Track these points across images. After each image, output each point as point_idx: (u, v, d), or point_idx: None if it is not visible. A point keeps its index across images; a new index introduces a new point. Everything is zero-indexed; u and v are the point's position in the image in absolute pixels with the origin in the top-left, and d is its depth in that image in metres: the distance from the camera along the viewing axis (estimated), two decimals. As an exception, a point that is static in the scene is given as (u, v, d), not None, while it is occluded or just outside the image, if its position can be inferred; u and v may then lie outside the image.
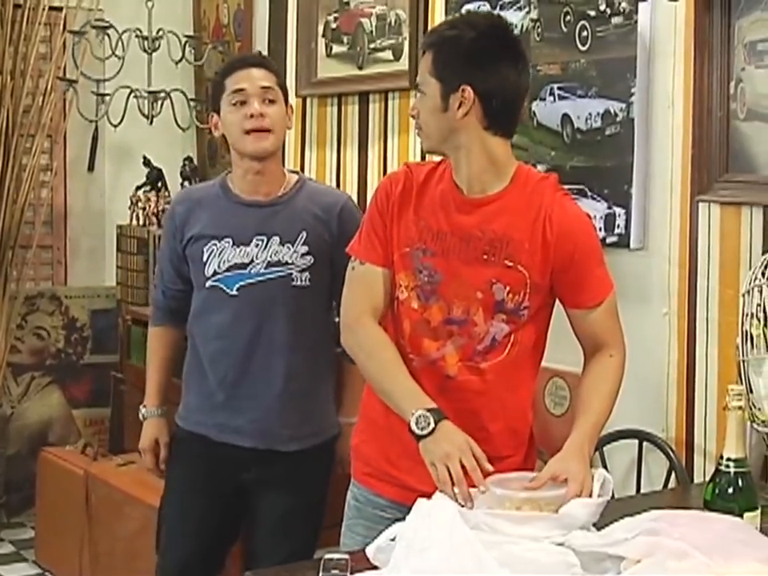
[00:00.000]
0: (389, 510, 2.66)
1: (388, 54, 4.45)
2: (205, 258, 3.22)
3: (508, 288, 2.59)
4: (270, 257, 3.18)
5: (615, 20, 3.52)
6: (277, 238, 3.19)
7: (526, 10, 3.80)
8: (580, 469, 2.42)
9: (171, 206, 3.44)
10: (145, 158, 5.57)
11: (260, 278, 3.19)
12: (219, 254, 3.20)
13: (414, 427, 2.45)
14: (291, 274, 3.18)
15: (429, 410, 2.46)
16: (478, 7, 3.93)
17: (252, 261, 3.19)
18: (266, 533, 3.26)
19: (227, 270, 3.20)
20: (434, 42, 2.60)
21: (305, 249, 3.19)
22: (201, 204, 3.29)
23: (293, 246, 3.19)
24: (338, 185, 4.69)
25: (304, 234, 3.19)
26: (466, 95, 2.55)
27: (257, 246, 3.19)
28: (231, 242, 3.20)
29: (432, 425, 2.43)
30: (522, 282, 2.59)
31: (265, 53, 5.16)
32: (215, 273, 3.21)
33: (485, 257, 2.59)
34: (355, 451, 2.81)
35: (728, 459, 2.34)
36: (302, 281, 3.18)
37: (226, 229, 3.22)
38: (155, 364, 3.44)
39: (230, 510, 3.31)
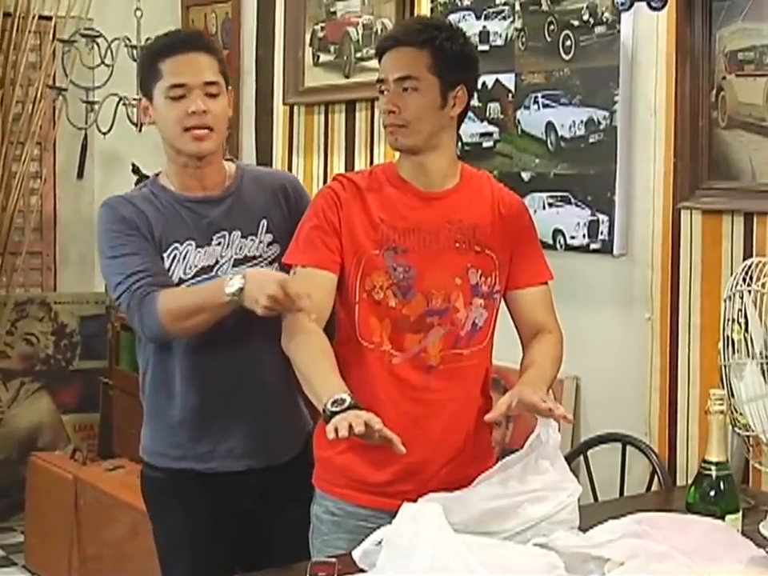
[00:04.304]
0: (371, 520, 2.63)
1: (374, 63, 4.41)
2: (167, 265, 2.85)
3: (480, 272, 2.71)
4: (236, 253, 2.89)
5: (598, 29, 3.55)
6: (238, 232, 2.90)
7: (511, 19, 3.83)
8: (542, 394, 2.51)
9: (108, 211, 2.90)
10: (133, 165, 5.55)
11: None
12: (183, 258, 2.86)
13: (328, 406, 2.41)
14: (261, 267, 2.88)
15: (348, 396, 2.44)
16: (463, 17, 3.97)
17: (217, 262, 2.87)
18: (285, 553, 2.77)
19: (194, 275, 2.85)
20: (428, 40, 2.65)
21: (269, 237, 2.92)
22: (146, 207, 2.88)
23: (256, 236, 2.91)
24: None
25: (264, 221, 2.92)
26: (461, 94, 2.69)
27: (219, 244, 2.88)
28: (194, 245, 2.87)
29: (347, 402, 2.41)
30: (492, 264, 2.72)
31: (252, 61, 5.19)
32: (181, 281, 2.84)
33: (457, 245, 2.70)
34: (326, 463, 2.75)
35: (710, 463, 2.39)
36: None
37: (184, 231, 2.87)
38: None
39: (240, 546, 2.99)
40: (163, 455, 2.97)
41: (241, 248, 2.90)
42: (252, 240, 2.91)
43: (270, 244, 2.92)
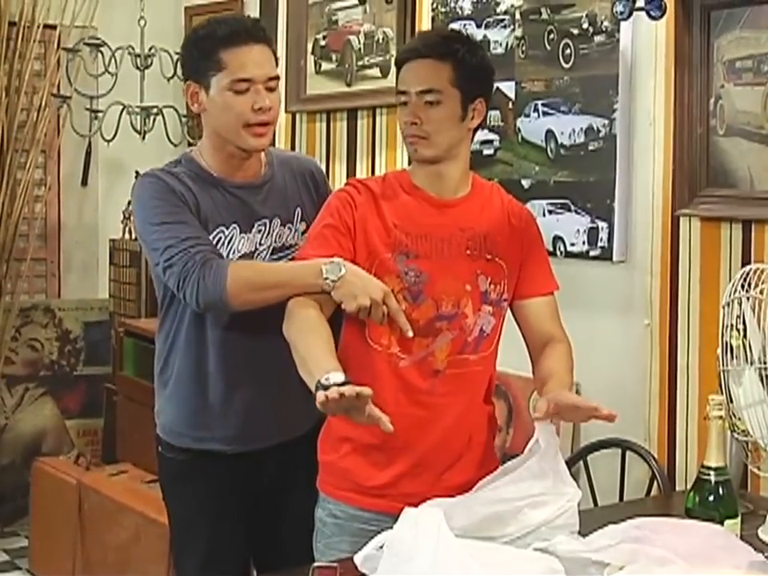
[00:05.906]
0: (373, 522, 2.64)
1: (376, 72, 4.49)
2: None
3: (490, 279, 2.74)
4: (275, 241, 2.87)
5: (598, 38, 3.58)
6: (278, 220, 2.88)
7: (511, 28, 3.86)
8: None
9: (154, 181, 2.82)
10: (137, 172, 5.56)
11: None
12: (228, 242, 2.81)
13: (323, 380, 2.36)
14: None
15: (343, 374, 2.40)
16: (464, 26, 3.99)
17: (256, 249, 2.85)
18: (299, 529, 2.85)
19: (237, 261, 2.80)
20: (450, 53, 2.67)
21: (303, 226, 2.90)
22: (192, 185, 2.82)
23: (293, 225, 2.91)
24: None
25: (299, 210, 2.92)
26: (480, 107, 2.73)
27: (259, 231, 2.85)
28: (238, 230, 2.82)
29: (342, 380, 2.37)
30: (501, 272, 2.75)
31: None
32: None
33: (468, 252, 2.73)
34: (329, 467, 2.77)
35: (709, 468, 2.41)
36: None
37: (230, 215, 2.82)
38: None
39: (255, 526, 3.00)
40: (186, 435, 2.92)
41: (279, 236, 2.89)
42: (289, 228, 2.91)
43: (303, 233, 2.89)
